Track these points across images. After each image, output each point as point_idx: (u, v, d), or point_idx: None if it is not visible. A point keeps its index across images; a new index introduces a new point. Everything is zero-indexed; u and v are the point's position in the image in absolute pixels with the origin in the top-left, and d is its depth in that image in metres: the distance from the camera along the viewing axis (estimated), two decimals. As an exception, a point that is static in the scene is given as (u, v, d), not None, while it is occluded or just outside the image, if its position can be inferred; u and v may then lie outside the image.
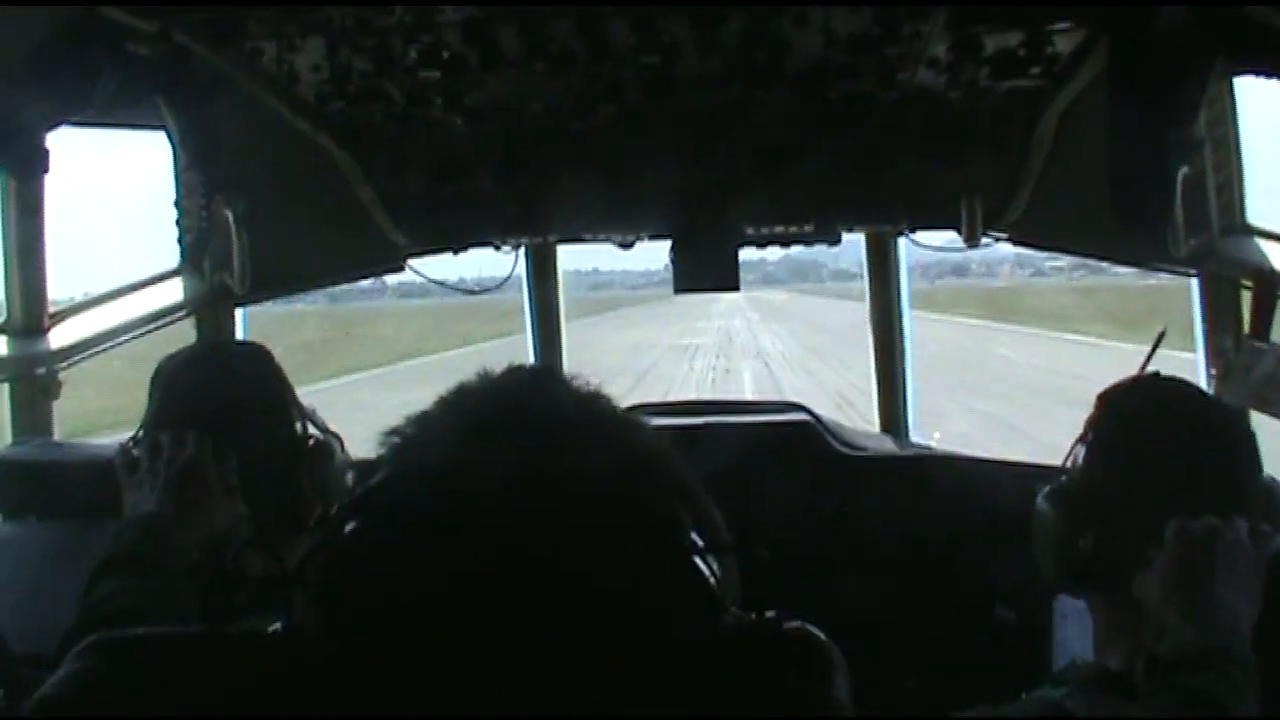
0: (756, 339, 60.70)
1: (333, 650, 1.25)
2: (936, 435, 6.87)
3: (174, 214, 4.73)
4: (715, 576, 1.28)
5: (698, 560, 1.27)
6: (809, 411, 5.27)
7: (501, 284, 5.83)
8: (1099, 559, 2.49)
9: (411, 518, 1.25)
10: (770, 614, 1.29)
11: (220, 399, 3.20)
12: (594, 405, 1.39)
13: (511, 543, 1.21)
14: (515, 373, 1.40)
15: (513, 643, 1.19)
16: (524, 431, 1.29)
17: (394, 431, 1.35)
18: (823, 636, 1.31)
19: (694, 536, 1.29)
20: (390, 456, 1.34)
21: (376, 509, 1.29)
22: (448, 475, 1.26)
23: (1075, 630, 3.16)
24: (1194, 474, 2.47)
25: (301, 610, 1.29)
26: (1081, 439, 2.66)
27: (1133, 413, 2.64)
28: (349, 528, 1.27)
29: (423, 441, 1.34)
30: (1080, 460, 2.63)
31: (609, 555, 1.23)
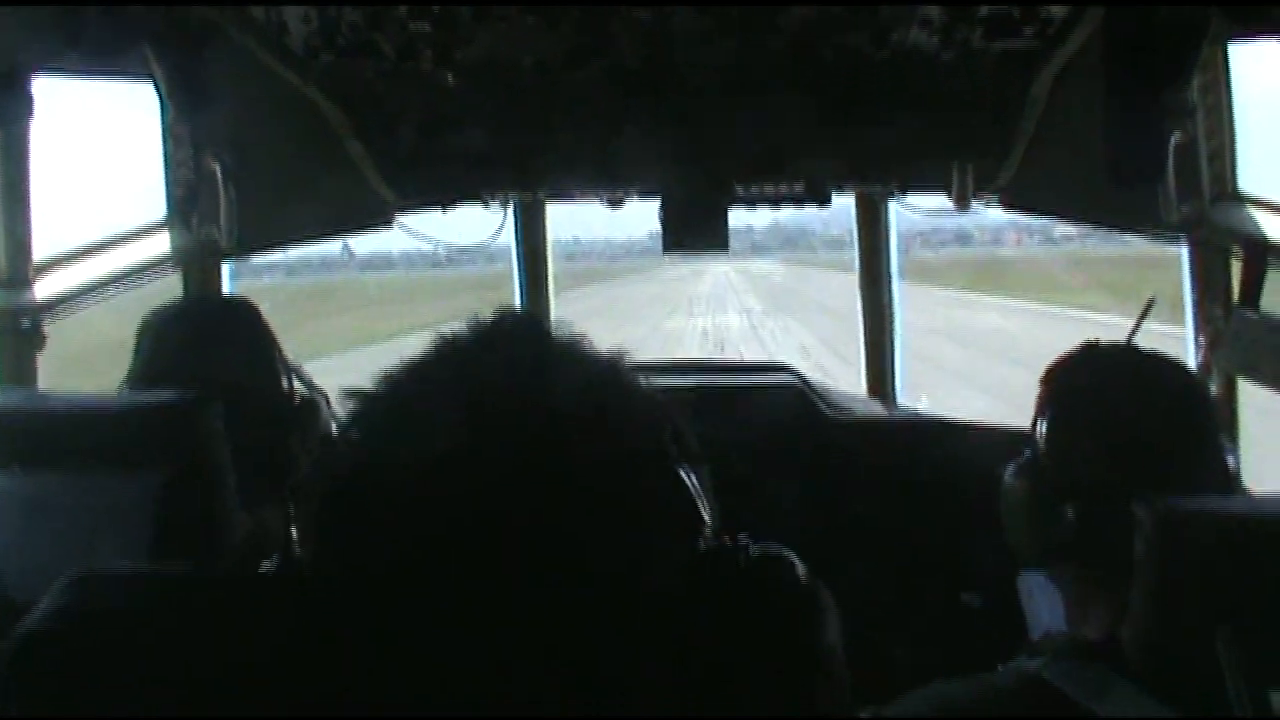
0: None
1: (326, 583, 1.27)
2: (924, 399, 6.88)
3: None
4: (699, 498, 1.32)
5: (683, 480, 1.31)
6: (797, 374, 5.28)
7: (491, 240, 5.82)
8: (1073, 531, 2.49)
9: (405, 449, 1.27)
10: (743, 538, 1.34)
11: (207, 353, 3.19)
12: (574, 346, 1.40)
13: (500, 472, 1.23)
14: (503, 318, 1.41)
15: (500, 567, 1.21)
16: (510, 368, 1.32)
17: (387, 374, 1.36)
18: (796, 562, 1.35)
19: (674, 453, 1.34)
20: (384, 391, 1.35)
21: (374, 438, 1.31)
22: (437, 411, 1.28)
23: (1044, 604, 3.16)
24: (1158, 434, 2.49)
25: (301, 536, 1.31)
26: (1041, 411, 2.66)
27: (1091, 381, 2.65)
28: (351, 452, 1.30)
29: (413, 379, 1.35)
30: (1044, 432, 2.63)
31: (592, 481, 1.25)
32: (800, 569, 1.35)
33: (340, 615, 1.24)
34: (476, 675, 1.21)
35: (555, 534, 1.22)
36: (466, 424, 1.25)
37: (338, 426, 1.34)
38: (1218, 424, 2.63)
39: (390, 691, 1.22)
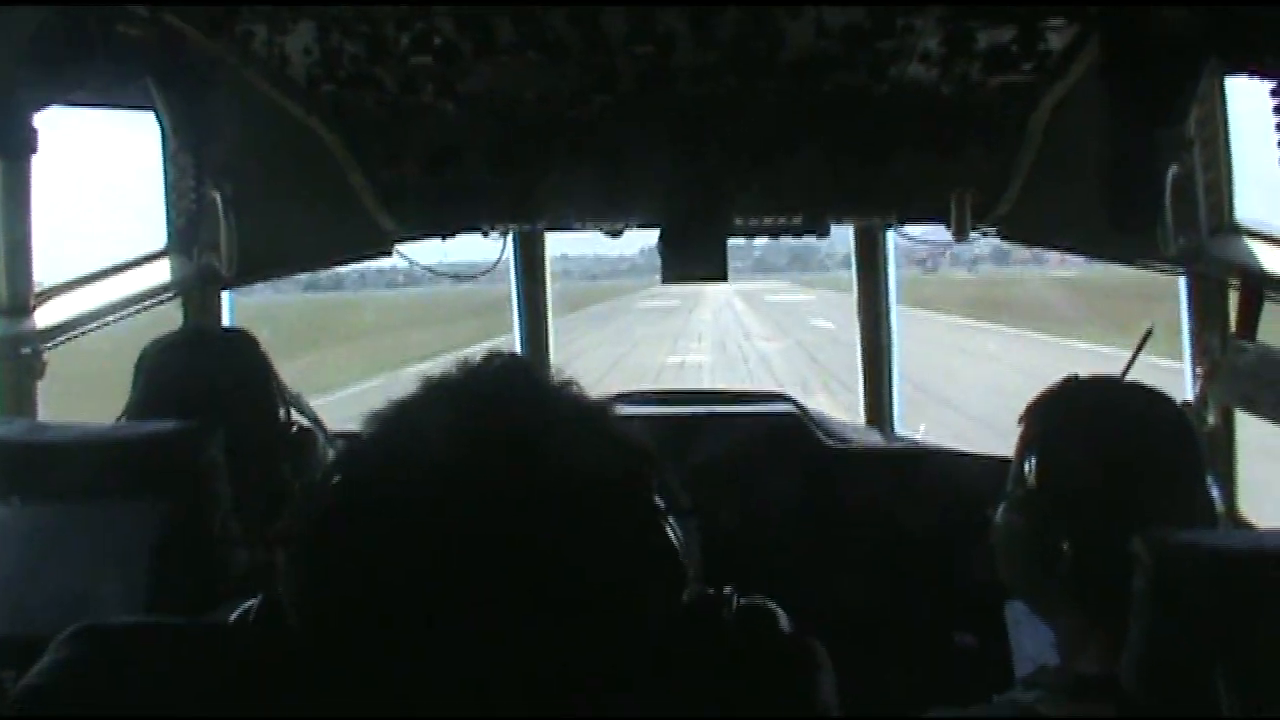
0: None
1: (310, 625, 1.29)
2: (922, 428, 6.88)
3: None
4: (680, 547, 1.32)
5: (666, 532, 1.32)
6: (795, 403, 5.29)
7: (489, 270, 5.86)
8: (1069, 567, 2.48)
9: (387, 490, 1.29)
10: (728, 590, 1.36)
11: (206, 384, 3.20)
12: (563, 391, 1.42)
13: (484, 515, 1.24)
14: (493, 359, 1.43)
15: (483, 611, 1.22)
16: (498, 411, 1.34)
17: (376, 414, 1.38)
18: (779, 612, 1.35)
19: (659, 502, 1.34)
20: (371, 433, 1.37)
21: (355, 479, 1.32)
22: (422, 451, 1.30)
23: (1029, 634, 3.15)
24: (1147, 468, 2.49)
25: (284, 580, 1.32)
26: (1026, 446, 2.65)
27: (1078, 416, 2.64)
28: (329, 495, 1.32)
29: (401, 420, 1.37)
30: (1033, 468, 2.62)
31: (577, 527, 1.27)
32: (783, 622, 1.36)
33: (327, 657, 1.25)
34: (458, 708, 1.22)
35: (538, 573, 1.23)
36: (453, 464, 1.26)
37: (326, 468, 1.35)
38: (1202, 454, 2.63)
39: None
